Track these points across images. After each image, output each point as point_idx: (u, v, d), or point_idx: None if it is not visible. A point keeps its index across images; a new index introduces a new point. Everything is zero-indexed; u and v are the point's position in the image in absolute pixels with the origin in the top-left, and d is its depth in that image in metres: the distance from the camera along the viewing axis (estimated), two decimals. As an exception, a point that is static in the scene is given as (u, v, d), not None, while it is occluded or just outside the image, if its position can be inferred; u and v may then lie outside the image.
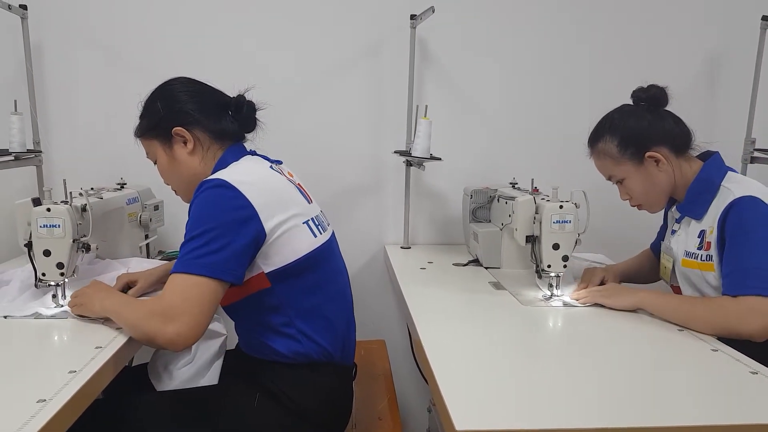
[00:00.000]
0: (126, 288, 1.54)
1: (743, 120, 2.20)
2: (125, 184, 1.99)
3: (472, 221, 2.12)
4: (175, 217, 2.16)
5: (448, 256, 2.14)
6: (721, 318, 1.32)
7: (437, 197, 2.38)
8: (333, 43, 2.25)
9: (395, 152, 2.22)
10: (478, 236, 1.99)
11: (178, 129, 1.38)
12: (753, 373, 1.14)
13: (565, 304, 1.56)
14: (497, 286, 1.75)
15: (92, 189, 1.77)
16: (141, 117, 1.46)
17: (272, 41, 2.22)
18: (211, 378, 1.44)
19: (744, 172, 2.19)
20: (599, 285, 1.64)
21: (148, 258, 1.98)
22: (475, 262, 2.03)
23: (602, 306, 1.52)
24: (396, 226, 2.37)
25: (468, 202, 2.14)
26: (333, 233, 1.51)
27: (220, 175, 1.27)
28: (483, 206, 2.12)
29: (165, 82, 1.46)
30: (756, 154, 2.15)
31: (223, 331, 1.50)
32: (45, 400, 0.97)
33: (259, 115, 1.50)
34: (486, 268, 1.97)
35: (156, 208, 2.04)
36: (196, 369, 1.43)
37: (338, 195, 2.34)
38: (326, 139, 2.30)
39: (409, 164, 2.23)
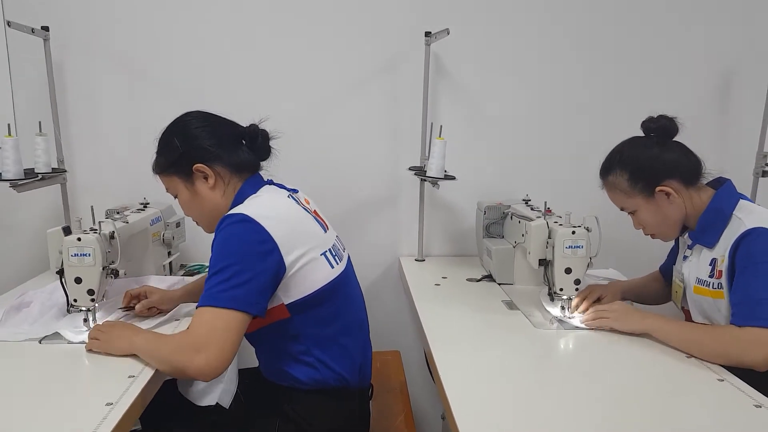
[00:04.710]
0: (132, 304, 1.64)
1: (755, 134, 2.22)
2: (148, 203, 2.04)
3: (485, 236, 2.16)
4: (196, 232, 2.17)
5: (462, 270, 2.19)
6: (725, 347, 1.35)
7: (451, 210, 2.42)
8: (349, 60, 2.28)
9: (410, 169, 2.25)
10: (492, 253, 2.03)
11: (199, 166, 1.42)
12: (757, 406, 1.18)
13: (575, 328, 1.59)
14: (510, 305, 1.80)
15: (117, 213, 1.82)
16: (158, 153, 1.48)
17: (290, 59, 2.26)
18: (230, 380, 1.50)
19: (756, 186, 2.21)
20: (596, 302, 1.67)
21: (170, 275, 2.04)
22: (489, 277, 2.08)
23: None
24: (410, 239, 2.41)
25: (481, 217, 2.17)
26: (349, 259, 1.55)
27: (242, 209, 1.31)
28: (496, 222, 2.15)
29: (179, 118, 1.48)
30: (768, 168, 2.17)
31: None
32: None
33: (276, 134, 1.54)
34: (499, 284, 2.01)
35: (177, 224, 2.09)
36: None
37: (354, 208, 2.39)
38: (342, 153, 2.34)
39: (423, 180, 2.27)
